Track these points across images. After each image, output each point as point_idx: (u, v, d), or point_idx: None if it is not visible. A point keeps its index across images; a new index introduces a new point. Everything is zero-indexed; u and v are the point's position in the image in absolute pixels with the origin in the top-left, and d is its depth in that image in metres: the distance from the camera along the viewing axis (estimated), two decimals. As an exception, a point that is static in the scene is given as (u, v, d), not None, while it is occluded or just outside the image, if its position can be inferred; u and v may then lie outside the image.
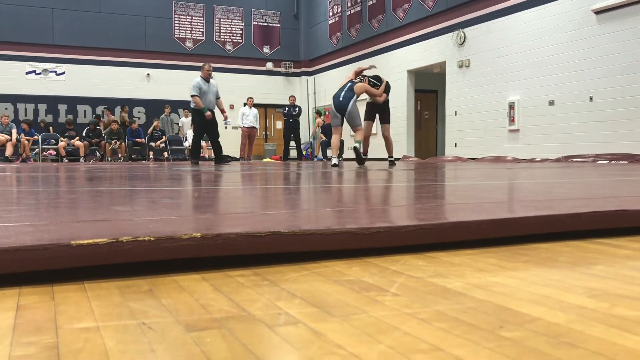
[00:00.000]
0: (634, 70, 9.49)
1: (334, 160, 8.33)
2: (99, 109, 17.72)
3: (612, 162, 9.37)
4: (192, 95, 9.85)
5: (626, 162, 9.17)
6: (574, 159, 10.18)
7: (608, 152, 9.82)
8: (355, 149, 8.17)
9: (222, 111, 10.47)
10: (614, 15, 9.82)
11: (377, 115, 8.85)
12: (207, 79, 9.98)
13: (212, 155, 16.35)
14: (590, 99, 10.24)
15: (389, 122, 8.87)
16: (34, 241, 1.12)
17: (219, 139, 10.37)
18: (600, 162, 9.55)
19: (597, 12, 10.05)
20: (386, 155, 9.12)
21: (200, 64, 10.61)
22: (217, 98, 10.16)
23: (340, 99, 8.32)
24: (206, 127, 10.03)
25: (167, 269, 1.19)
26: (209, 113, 9.81)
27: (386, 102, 8.72)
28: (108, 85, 18.30)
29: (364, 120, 8.85)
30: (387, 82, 8.72)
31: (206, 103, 9.88)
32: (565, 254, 1.38)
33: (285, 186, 3.83)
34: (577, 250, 1.43)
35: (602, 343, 0.73)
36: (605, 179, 4.07)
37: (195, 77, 10.22)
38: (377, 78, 8.73)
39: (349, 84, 8.42)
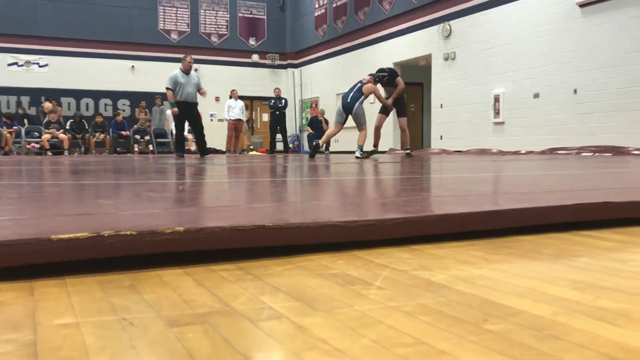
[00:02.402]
0: (617, 63, 9.57)
1: (318, 141, 8.85)
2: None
3: (596, 154, 9.45)
4: (166, 88, 9.87)
5: (610, 154, 9.25)
6: (559, 152, 10.26)
7: (592, 144, 9.90)
8: (357, 157, 8.52)
9: (202, 93, 10.14)
10: (598, 9, 9.88)
11: (394, 109, 9.30)
12: (186, 71, 9.90)
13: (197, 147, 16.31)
14: (575, 91, 10.31)
15: (405, 115, 9.29)
16: (13, 235, 1.10)
17: (203, 131, 10.35)
18: (584, 154, 9.63)
19: (582, 5, 10.11)
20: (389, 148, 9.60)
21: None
22: (199, 90, 10.05)
23: (348, 100, 8.87)
24: (186, 118, 10.03)
25: (150, 264, 1.18)
26: (175, 110, 9.81)
27: (402, 96, 9.03)
28: (92, 78, 18.09)
29: (378, 112, 9.37)
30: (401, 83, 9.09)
31: (184, 95, 9.81)
32: (550, 246, 1.39)
33: (272, 179, 3.82)
34: (561, 243, 1.43)
35: (586, 335, 0.73)
36: (589, 171, 4.10)
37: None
38: (381, 70, 9.00)
39: (359, 84, 8.74)
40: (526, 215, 1.59)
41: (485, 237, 1.49)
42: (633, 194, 2.08)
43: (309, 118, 18.66)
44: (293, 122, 20.34)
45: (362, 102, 8.70)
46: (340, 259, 1.23)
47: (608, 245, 1.40)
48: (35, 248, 1.08)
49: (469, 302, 0.89)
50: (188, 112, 9.89)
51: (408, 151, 9.55)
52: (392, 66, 15.43)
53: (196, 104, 10.04)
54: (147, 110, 16.86)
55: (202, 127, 10.34)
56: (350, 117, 8.76)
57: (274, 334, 0.76)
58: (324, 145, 8.92)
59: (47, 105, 15.98)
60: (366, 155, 8.79)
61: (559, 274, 1.09)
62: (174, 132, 16.36)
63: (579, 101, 10.26)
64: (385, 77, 8.91)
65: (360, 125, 8.77)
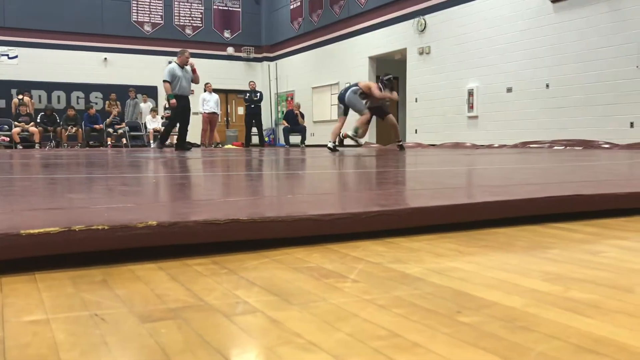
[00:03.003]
0: (588, 59, 9.72)
1: (330, 145, 8.88)
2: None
3: (567, 148, 9.61)
4: (163, 81, 9.96)
5: (580, 148, 9.42)
6: (531, 145, 10.40)
7: (563, 138, 10.06)
8: (347, 136, 8.74)
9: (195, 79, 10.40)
10: (569, 5, 10.02)
11: (377, 112, 9.34)
12: (183, 65, 10.05)
13: (173, 141, 16.12)
14: (547, 86, 10.46)
15: (389, 112, 9.50)
16: (-19, 231, 1.08)
17: (188, 126, 10.45)
18: (555, 148, 9.78)
19: (554, 1, 10.24)
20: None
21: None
22: (192, 79, 10.31)
23: (342, 91, 9.04)
24: (183, 113, 10.16)
25: (123, 258, 1.16)
26: (173, 101, 9.95)
27: (383, 102, 9.31)
28: (64, 70, 17.76)
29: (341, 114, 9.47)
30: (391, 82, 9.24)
31: (180, 89, 9.98)
32: (522, 238, 1.41)
33: (247, 173, 3.80)
34: (533, 235, 1.45)
35: (556, 326, 0.74)
36: (560, 164, 4.17)
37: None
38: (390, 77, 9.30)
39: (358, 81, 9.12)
40: (499, 208, 1.60)
41: (459, 229, 1.50)
42: (603, 186, 2.12)
43: (284, 111, 18.61)
44: (269, 115, 20.26)
45: (355, 91, 8.79)
46: (315, 252, 1.23)
47: (579, 237, 1.42)
48: (4, 244, 1.05)
49: (442, 295, 0.90)
50: (183, 105, 10.05)
51: (400, 143, 9.58)
52: (367, 60, 15.51)
53: (189, 99, 10.29)
54: (118, 102, 16.60)
55: (188, 122, 10.49)
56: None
57: (249, 328, 0.75)
58: (334, 139, 8.94)
59: (27, 99, 15.69)
60: (340, 145, 8.89)
61: (531, 266, 1.10)
62: (147, 125, 16.22)
63: (551, 95, 10.40)
64: (390, 83, 9.06)
65: (359, 111, 8.85)
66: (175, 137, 11.31)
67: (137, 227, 1.15)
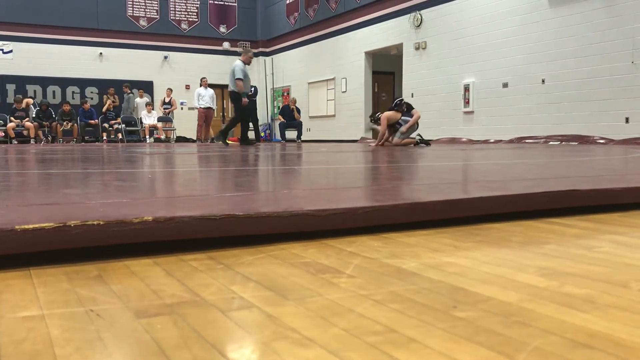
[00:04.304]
0: (583, 54, 9.73)
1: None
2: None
3: (563, 143, 9.63)
4: (237, 79, 9.98)
5: (576, 143, 9.43)
6: (527, 140, 10.42)
7: (559, 133, 10.08)
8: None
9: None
10: (565, 0, 10.02)
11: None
12: (248, 64, 10.22)
13: (166, 136, 16.10)
14: (543, 81, 10.46)
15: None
16: (-25, 226, 1.07)
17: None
18: (551, 143, 9.80)
19: (550, -5, 10.24)
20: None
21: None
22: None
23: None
24: (249, 110, 10.39)
25: (118, 254, 1.16)
26: (245, 100, 10.15)
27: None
28: (59, 65, 17.67)
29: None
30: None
31: (246, 87, 10.19)
32: (518, 233, 1.41)
33: (243, 168, 3.80)
34: (529, 230, 1.45)
35: (552, 321, 0.74)
36: (556, 159, 4.17)
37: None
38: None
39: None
40: (495, 203, 1.61)
41: (455, 225, 1.50)
42: (598, 182, 2.12)
43: (280, 107, 18.56)
44: (265, 110, 20.22)
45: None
46: (311, 248, 1.23)
47: (574, 232, 1.42)
48: (-1, 239, 1.05)
49: (438, 290, 0.90)
50: (249, 103, 10.30)
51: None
52: (363, 55, 15.48)
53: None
54: (116, 96, 16.55)
55: (258, 119, 10.97)
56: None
57: (244, 324, 0.75)
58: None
59: (29, 100, 15.68)
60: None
61: (527, 261, 1.10)
62: (142, 120, 16.17)
63: (546, 91, 10.41)
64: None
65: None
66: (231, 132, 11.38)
67: (133, 223, 1.15)
